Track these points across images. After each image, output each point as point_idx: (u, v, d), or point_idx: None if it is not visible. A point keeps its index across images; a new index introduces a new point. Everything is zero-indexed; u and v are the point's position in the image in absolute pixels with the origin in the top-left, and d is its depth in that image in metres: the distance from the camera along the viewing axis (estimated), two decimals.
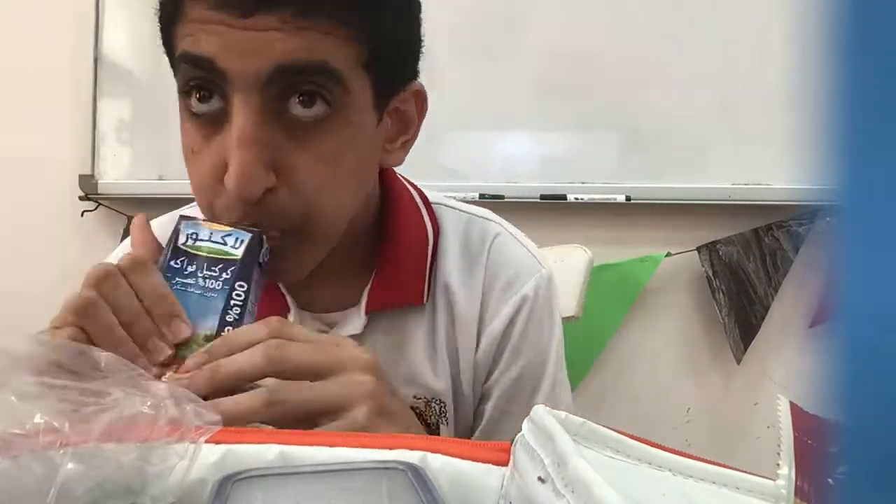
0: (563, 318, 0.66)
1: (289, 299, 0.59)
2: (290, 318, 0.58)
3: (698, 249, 1.39)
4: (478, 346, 0.59)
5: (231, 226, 0.46)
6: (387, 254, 0.58)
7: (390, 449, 0.30)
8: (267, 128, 0.44)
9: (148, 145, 1.50)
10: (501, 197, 1.37)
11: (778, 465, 0.21)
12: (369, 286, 0.57)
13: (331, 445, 0.31)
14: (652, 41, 1.37)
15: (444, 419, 0.59)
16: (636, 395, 1.44)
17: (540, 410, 0.26)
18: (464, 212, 0.63)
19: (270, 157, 0.44)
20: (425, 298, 0.57)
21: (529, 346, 0.59)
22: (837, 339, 0.12)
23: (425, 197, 0.63)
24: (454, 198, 0.66)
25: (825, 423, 0.13)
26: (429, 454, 0.32)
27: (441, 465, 0.32)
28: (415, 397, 0.58)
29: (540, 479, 0.24)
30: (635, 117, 1.39)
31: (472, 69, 1.39)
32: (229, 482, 0.32)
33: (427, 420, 0.59)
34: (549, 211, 1.40)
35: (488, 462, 0.29)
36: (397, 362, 0.58)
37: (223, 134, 0.45)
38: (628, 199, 1.37)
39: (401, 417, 0.42)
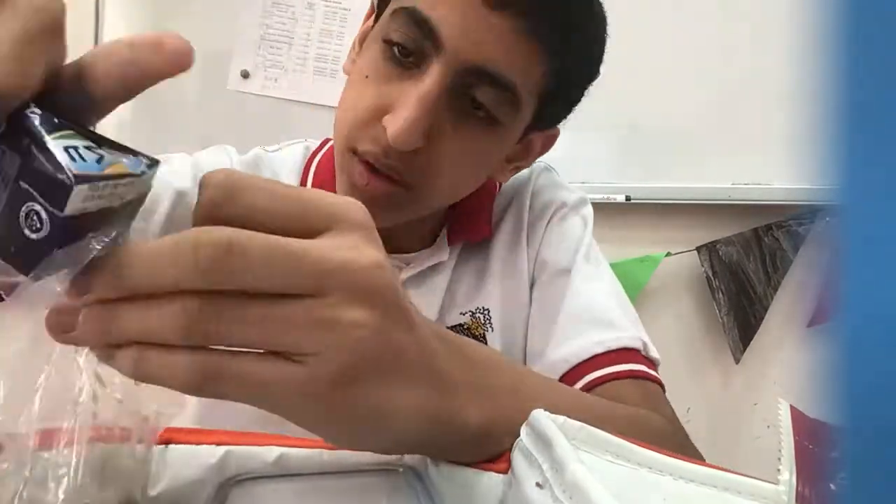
0: None
1: None
2: None
3: (698, 249, 1.38)
4: (528, 248, 0.66)
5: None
6: (467, 200, 0.65)
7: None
8: (443, 101, 0.49)
9: (148, 145, 1.47)
10: None
11: (779, 469, 0.21)
12: (449, 224, 0.65)
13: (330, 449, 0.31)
14: (651, 41, 1.36)
15: (489, 326, 0.64)
16: None
17: (538, 415, 0.26)
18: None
19: (431, 126, 0.49)
20: (490, 233, 0.66)
21: (560, 237, 0.66)
22: (837, 340, 0.12)
23: None
24: None
25: (826, 427, 0.12)
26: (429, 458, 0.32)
27: (441, 468, 0.31)
28: (461, 313, 0.64)
29: (538, 484, 0.23)
30: (635, 117, 1.39)
31: None
32: (229, 484, 0.32)
33: (474, 333, 0.64)
34: None
35: (488, 467, 0.29)
36: (458, 290, 0.65)
37: (403, 82, 0.49)
38: (628, 199, 1.37)
39: (409, 370, 0.26)
